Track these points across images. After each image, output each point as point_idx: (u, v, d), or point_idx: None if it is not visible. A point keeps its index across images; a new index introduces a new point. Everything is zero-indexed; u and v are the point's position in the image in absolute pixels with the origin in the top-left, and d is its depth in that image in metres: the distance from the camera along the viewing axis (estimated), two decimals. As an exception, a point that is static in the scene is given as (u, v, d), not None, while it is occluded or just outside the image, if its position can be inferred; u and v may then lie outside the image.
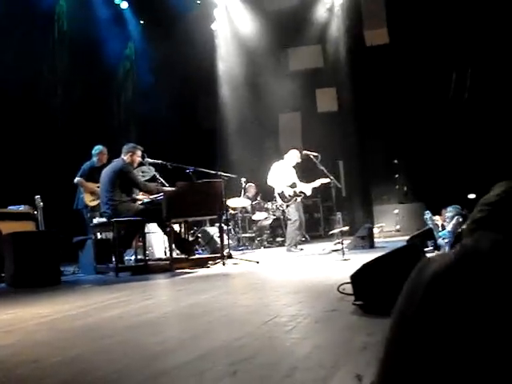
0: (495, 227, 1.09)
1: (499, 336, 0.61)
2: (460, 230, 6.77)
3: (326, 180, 10.09)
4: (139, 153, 8.68)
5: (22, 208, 9.09)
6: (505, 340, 0.60)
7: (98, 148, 9.88)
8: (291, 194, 10.30)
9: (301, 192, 10.47)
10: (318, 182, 10.43)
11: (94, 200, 9.52)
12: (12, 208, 9.06)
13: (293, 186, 10.37)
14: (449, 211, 7.76)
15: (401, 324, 0.69)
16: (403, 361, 0.67)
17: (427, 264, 0.72)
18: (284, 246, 10.86)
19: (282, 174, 10.46)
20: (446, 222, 7.75)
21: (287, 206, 10.34)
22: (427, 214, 7.95)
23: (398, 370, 0.67)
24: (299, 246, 10.49)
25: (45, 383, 2.31)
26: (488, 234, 0.75)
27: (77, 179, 9.63)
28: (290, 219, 10.38)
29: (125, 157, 8.52)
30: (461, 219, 7.05)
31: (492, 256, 0.67)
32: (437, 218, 8.01)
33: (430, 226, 7.84)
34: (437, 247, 7.47)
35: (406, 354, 0.66)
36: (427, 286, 0.69)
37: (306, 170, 10.68)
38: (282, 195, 10.30)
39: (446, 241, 7.21)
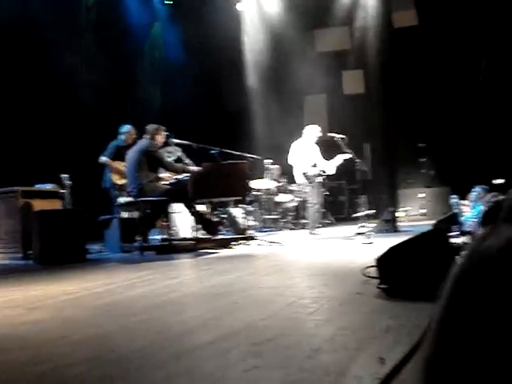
0: None
1: None
2: (487, 210, 6.68)
3: (347, 156, 9.94)
4: (163, 133, 8.70)
5: (49, 186, 9.19)
6: None
7: (126, 127, 9.91)
8: (315, 173, 10.17)
9: (323, 171, 10.31)
10: (339, 159, 10.16)
11: (121, 178, 9.58)
12: (39, 186, 9.16)
13: (314, 165, 10.23)
14: (474, 191, 7.68)
15: (448, 308, 0.68)
16: (449, 344, 0.66)
17: (479, 246, 0.70)
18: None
19: (304, 152, 10.29)
20: (470, 202, 7.67)
21: (312, 187, 10.16)
22: (453, 199, 7.89)
23: (444, 353, 0.66)
24: (320, 229, 10.43)
25: (70, 360, 2.35)
26: None
27: (103, 159, 9.68)
28: (310, 202, 10.28)
29: (149, 137, 8.55)
30: (492, 202, 6.96)
31: None
32: (465, 202, 7.93)
33: (456, 210, 7.78)
34: (462, 232, 7.41)
35: (451, 338, 0.66)
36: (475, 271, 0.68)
37: (332, 153, 10.57)
38: (306, 175, 10.16)
39: (475, 220, 7.16)
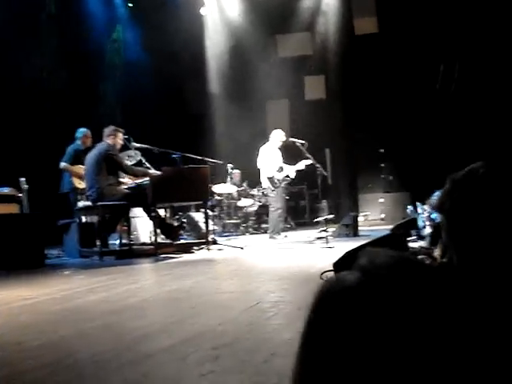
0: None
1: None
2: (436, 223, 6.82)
3: (308, 161, 10.01)
4: (121, 135, 8.60)
5: (5, 190, 9.02)
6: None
7: (81, 131, 9.79)
8: (280, 179, 10.19)
9: (287, 176, 10.36)
10: (301, 164, 10.19)
11: (82, 183, 9.46)
12: (-4, 190, 8.99)
13: (279, 170, 10.27)
14: (434, 196, 7.82)
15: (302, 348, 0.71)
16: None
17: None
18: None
19: (270, 157, 10.32)
20: (430, 207, 7.81)
21: (276, 192, 10.18)
22: (411, 205, 8.04)
23: None
24: (283, 233, 10.47)
25: (28, 365, 2.32)
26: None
27: (62, 164, 9.54)
28: (272, 206, 10.31)
29: (108, 140, 8.44)
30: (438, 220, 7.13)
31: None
32: (424, 207, 8.07)
33: (415, 215, 7.92)
34: (420, 237, 7.53)
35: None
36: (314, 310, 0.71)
37: (292, 158, 10.62)
38: (271, 180, 10.17)
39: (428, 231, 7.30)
